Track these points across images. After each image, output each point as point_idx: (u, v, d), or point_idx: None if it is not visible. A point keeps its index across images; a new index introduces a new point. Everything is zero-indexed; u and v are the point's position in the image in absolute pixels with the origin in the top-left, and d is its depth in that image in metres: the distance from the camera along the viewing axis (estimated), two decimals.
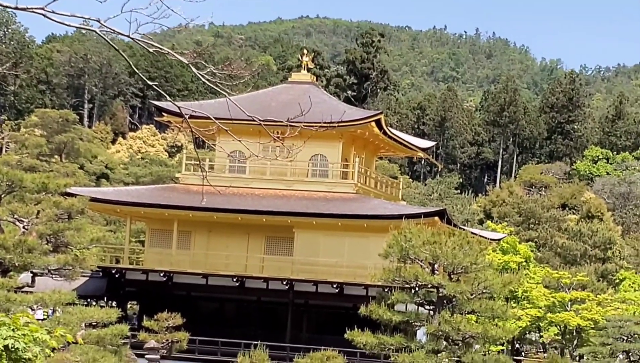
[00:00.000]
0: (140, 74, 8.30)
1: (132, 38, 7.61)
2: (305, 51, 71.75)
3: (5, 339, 16.66)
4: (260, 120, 8.50)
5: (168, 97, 9.09)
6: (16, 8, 7.55)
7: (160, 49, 8.02)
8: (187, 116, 8.81)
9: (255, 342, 50.46)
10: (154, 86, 8.76)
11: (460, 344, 43.23)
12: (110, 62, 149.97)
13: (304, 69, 64.99)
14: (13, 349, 16.56)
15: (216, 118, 9.32)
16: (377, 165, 72.69)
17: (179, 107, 8.46)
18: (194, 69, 7.87)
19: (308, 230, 55.48)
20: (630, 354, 59.85)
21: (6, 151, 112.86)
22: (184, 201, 55.60)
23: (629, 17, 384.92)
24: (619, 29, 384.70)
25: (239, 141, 9.43)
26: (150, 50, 8.09)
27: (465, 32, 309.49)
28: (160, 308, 51.74)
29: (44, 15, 7.40)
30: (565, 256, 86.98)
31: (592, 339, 62.78)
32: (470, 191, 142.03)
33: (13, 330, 16.87)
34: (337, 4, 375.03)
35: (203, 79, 8.04)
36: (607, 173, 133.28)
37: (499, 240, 71.10)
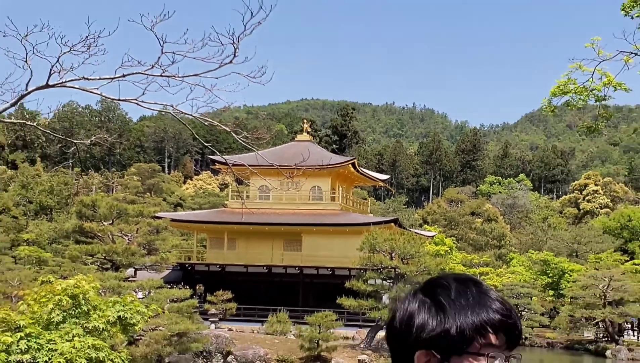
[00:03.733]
0: (200, 140, 8.35)
1: (194, 116, 7.62)
2: (305, 121, 71.92)
3: (119, 312, 16.65)
4: (277, 165, 8.47)
5: (218, 154, 9.07)
6: (119, 100, 7.55)
7: (212, 122, 8.02)
8: (230, 165, 8.86)
9: (279, 308, 50.35)
10: (209, 147, 8.75)
11: None
12: (181, 132, 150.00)
13: (305, 132, 65.17)
14: (124, 318, 16.55)
15: (249, 165, 9.33)
16: (353, 191, 72.62)
17: (225, 160, 8.46)
18: (234, 135, 7.88)
19: (311, 234, 55.44)
20: (518, 306, 59.72)
21: (115, 191, 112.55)
22: (230, 219, 55.57)
23: (511, 88, 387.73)
24: (505, 97, 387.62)
25: (264, 179, 9.41)
26: (206, 123, 8.10)
27: (407, 105, 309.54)
28: (218, 288, 51.67)
29: (136, 103, 7.41)
30: (475, 245, 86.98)
31: None
32: (413, 206, 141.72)
33: (123, 306, 16.89)
34: (325, 89, 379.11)
35: (240, 141, 8.04)
36: (500, 192, 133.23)
37: (432, 236, 71.11)
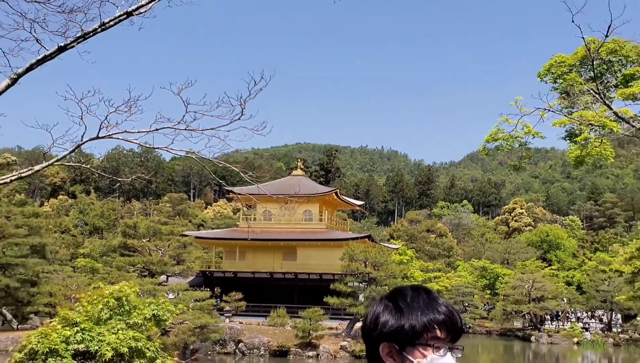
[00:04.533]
0: (215, 177, 8.40)
1: (211, 159, 7.65)
2: (298, 160, 72.02)
3: (153, 310, 16.48)
4: (275, 196, 8.48)
5: (231, 187, 9.11)
6: (154, 147, 7.58)
7: (225, 164, 8.06)
8: (239, 195, 8.87)
9: (279, 305, 49.89)
10: (223, 184, 8.85)
11: None
12: (202, 169, 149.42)
13: (298, 169, 65.13)
14: (157, 315, 16.38)
15: (254, 195, 9.36)
16: (336, 214, 72.23)
17: (235, 192, 8.49)
18: (242, 174, 7.91)
19: (304, 247, 55.15)
20: (463, 302, 59.50)
21: (151, 215, 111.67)
22: (241, 236, 55.25)
23: (456, 133, 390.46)
24: (452, 140, 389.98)
25: (265, 207, 9.44)
26: (220, 165, 8.13)
27: (377, 147, 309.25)
28: (231, 290, 51.16)
29: (167, 150, 7.44)
30: (429, 255, 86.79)
31: (445, 296, 62.32)
32: (382, 225, 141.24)
33: (157, 305, 16.72)
34: (314, 135, 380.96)
35: (246, 178, 8.06)
36: (448, 214, 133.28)
37: (397, 248, 70.91)
